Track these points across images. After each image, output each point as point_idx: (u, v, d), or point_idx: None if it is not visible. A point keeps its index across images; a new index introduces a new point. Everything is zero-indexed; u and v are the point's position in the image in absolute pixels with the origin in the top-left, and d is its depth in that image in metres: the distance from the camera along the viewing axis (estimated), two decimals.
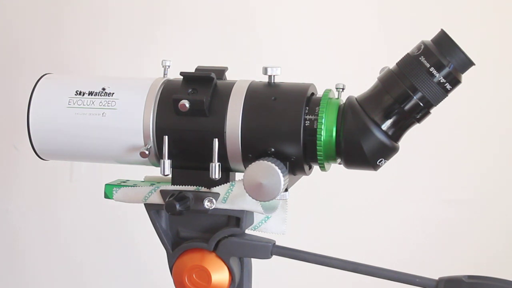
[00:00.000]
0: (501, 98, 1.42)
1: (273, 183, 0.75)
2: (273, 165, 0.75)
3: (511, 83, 1.42)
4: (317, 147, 0.77)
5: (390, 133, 0.77)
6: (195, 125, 0.80)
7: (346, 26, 1.42)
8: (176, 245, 0.85)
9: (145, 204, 0.85)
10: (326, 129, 0.77)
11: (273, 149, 0.78)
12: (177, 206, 0.79)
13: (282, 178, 0.75)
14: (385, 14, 1.41)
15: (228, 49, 1.40)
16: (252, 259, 0.88)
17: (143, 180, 0.89)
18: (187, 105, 0.78)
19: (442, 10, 1.39)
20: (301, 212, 1.29)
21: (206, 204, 0.81)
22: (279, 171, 0.75)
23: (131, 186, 0.86)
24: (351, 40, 1.41)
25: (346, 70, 1.36)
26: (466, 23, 1.38)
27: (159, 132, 0.81)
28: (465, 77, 0.77)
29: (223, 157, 0.79)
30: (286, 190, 0.78)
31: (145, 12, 1.43)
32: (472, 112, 1.42)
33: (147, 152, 0.81)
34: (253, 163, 0.76)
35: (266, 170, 0.75)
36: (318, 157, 0.78)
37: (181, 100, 0.79)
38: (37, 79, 0.86)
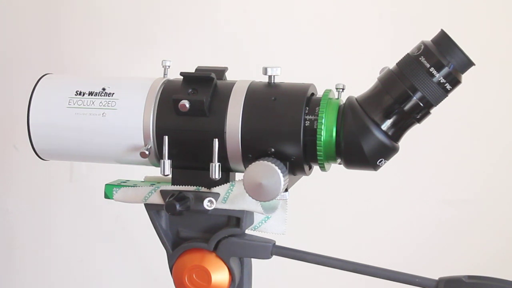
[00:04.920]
0: (503, 98, 1.42)
1: (273, 183, 0.75)
2: (273, 165, 0.75)
3: None
4: (317, 147, 0.77)
5: (390, 133, 0.77)
6: (195, 125, 0.80)
7: (346, 26, 1.42)
8: (176, 245, 0.85)
9: (145, 204, 0.85)
10: (326, 129, 0.77)
11: (273, 149, 0.78)
12: (177, 206, 0.79)
13: (282, 178, 0.75)
14: (385, 14, 1.41)
15: (228, 49, 1.41)
16: (252, 259, 0.88)
17: (143, 180, 0.89)
18: (187, 105, 0.78)
19: (443, 10, 1.39)
20: (301, 212, 1.29)
21: (206, 204, 0.81)
22: (279, 171, 0.74)
23: (131, 186, 0.86)
24: (351, 40, 1.41)
25: (346, 70, 1.36)
26: (466, 23, 1.38)
27: (159, 132, 0.81)
28: (466, 77, 0.77)
29: (223, 157, 0.79)
30: (286, 190, 0.78)
31: (145, 12, 1.43)
32: (473, 112, 1.42)
33: (147, 152, 0.80)
34: (253, 163, 0.76)
35: (266, 170, 0.75)
36: (318, 157, 0.78)
37: (181, 100, 0.78)
38: (37, 79, 0.86)
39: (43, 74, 0.87)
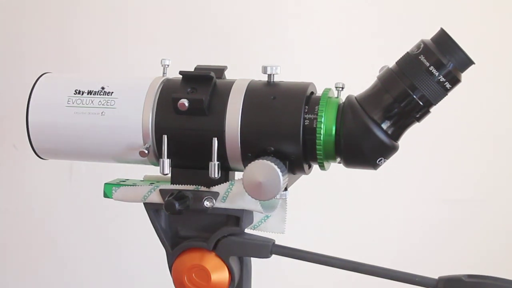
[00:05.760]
0: (500, 97, 1.42)
1: (273, 182, 0.75)
2: (272, 164, 0.74)
3: (509, 82, 1.42)
4: (317, 146, 0.77)
5: (389, 132, 0.77)
6: (194, 124, 0.79)
7: (346, 25, 1.42)
8: (176, 244, 0.85)
9: (144, 203, 0.84)
10: (326, 128, 0.77)
11: (272, 148, 0.77)
12: (177, 205, 0.79)
13: (281, 177, 0.74)
14: (385, 12, 1.41)
15: (228, 48, 1.40)
16: (252, 258, 0.88)
17: (142, 179, 0.89)
18: (187, 104, 0.78)
19: (443, 8, 1.39)
20: (300, 211, 1.29)
21: (206, 203, 0.81)
22: (278, 170, 0.74)
23: (131, 185, 0.85)
24: (350, 39, 1.41)
25: (346, 69, 1.36)
26: (467, 22, 1.38)
27: (158, 131, 0.80)
28: (464, 76, 0.76)
29: (222, 156, 0.79)
30: (285, 189, 0.78)
31: (145, 12, 1.43)
32: (470, 112, 1.42)
33: (146, 151, 0.80)
34: (252, 163, 0.75)
35: (266, 169, 0.75)
36: (318, 156, 0.78)
37: (180, 99, 0.78)
38: (36, 78, 0.86)
39: (42, 73, 0.87)
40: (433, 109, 0.77)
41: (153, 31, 1.43)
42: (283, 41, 1.41)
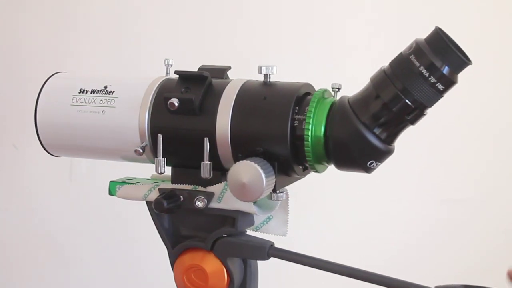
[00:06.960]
0: (500, 97, 1.39)
1: (255, 183, 0.73)
2: (255, 165, 0.73)
3: (508, 82, 1.38)
4: (305, 148, 0.75)
5: (382, 135, 0.74)
6: (185, 124, 0.79)
7: (347, 24, 1.41)
8: (178, 243, 0.85)
9: (146, 201, 0.85)
10: (315, 130, 0.75)
11: (261, 149, 0.76)
12: (165, 204, 0.79)
13: (264, 179, 0.73)
14: (386, 13, 1.40)
15: (236, 49, 1.41)
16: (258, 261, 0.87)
17: (149, 178, 0.90)
18: (176, 104, 0.78)
19: (444, 8, 1.36)
20: (300, 214, 1.27)
21: (197, 203, 0.81)
22: (261, 171, 0.73)
23: (134, 183, 0.86)
24: (353, 38, 1.40)
25: (348, 69, 1.34)
26: (467, 22, 1.36)
27: (154, 131, 0.81)
28: (463, 75, 0.73)
29: (215, 156, 0.79)
30: (274, 190, 0.77)
31: (149, 12, 1.45)
32: (470, 111, 1.40)
33: (141, 150, 0.81)
34: (237, 163, 0.74)
35: (249, 170, 0.73)
36: (307, 158, 0.76)
37: (171, 98, 0.78)
38: (47, 77, 0.88)
39: (54, 72, 0.89)
40: (431, 109, 0.74)
41: (162, 30, 1.44)
42: (287, 41, 1.41)
